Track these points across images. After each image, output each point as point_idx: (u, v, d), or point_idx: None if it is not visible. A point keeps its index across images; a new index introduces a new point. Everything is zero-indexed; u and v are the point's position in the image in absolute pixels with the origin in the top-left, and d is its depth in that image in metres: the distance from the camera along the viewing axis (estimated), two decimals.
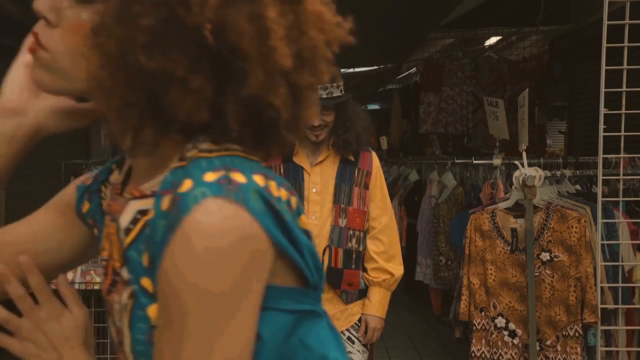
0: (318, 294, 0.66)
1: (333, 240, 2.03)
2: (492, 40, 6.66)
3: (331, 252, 2.02)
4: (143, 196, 0.64)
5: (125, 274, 0.65)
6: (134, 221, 0.64)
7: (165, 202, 0.57)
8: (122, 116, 0.59)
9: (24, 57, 0.73)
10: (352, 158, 2.09)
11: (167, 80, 0.56)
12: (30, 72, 0.69)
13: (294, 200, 0.63)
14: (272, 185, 0.59)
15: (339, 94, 2.02)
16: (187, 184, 0.56)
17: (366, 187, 2.08)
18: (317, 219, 2.04)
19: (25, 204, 5.17)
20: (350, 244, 2.04)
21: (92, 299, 3.46)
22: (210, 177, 0.56)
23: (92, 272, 3.31)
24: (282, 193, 0.61)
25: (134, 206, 0.65)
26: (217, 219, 0.54)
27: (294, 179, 2.05)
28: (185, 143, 0.62)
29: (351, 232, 2.04)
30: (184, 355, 0.55)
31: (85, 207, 0.79)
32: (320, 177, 2.07)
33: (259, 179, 0.58)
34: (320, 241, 2.01)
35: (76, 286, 3.27)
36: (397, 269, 2.12)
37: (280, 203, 0.59)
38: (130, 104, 0.58)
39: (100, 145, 5.98)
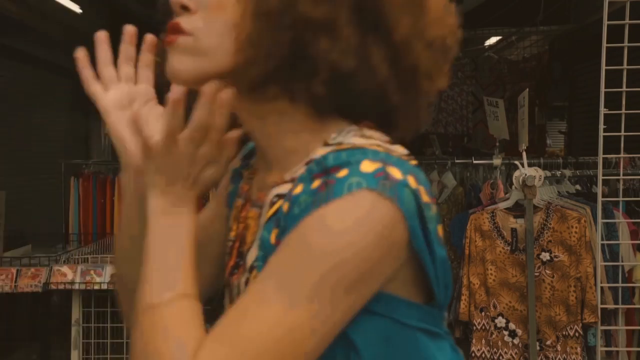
0: (442, 315, 0.66)
1: None
2: (492, 40, 6.66)
3: None
4: (283, 182, 0.66)
5: (250, 257, 0.67)
6: (271, 204, 0.66)
7: (316, 183, 0.59)
8: (274, 76, 0.61)
9: (114, 111, 0.70)
10: None
11: (322, 29, 0.59)
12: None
13: (434, 208, 0.62)
14: (422, 190, 0.60)
15: None
16: (343, 172, 0.57)
17: None
18: None
19: (25, 203, 5.12)
20: None
21: (92, 299, 3.46)
22: (367, 167, 0.57)
23: (92, 272, 3.31)
24: (428, 199, 0.60)
25: (274, 192, 0.66)
26: (365, 210, 0.55)
27: None
28: (323, 131, 0.65)
29: None
30: (274, 297, 0.56)
31: (229, 188, 0.81)
32: None
33: (411, 180, 0.58)
34: None
35: (76, 286, 3.26)
36: None
37: (427, 209, 0.59)
38: (281, 57, 0.60)
39: (101, 145, 5.98)
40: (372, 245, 0.55)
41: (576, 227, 2.52)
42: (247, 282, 0.66)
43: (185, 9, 0.65)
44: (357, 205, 0.55)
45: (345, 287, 0.56)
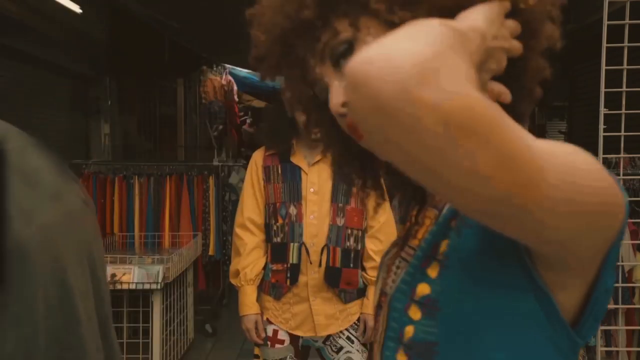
0: (579, 347, 0.63)
1: (331, 240, 2.00)
2: None
3: (329, 251, 2.00)
4: None
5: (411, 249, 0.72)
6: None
7: None
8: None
9: None
10: None
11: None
12: None
13: None
14: None
15: None
16: None
17: None
18: (316, 218, 2.02)
19: None
20: (348, 243, 2.02)
21: None
22: None
23: None
24: None
25: None
26: (608, 177, 0.55)
27: (292, 179, 2.04)
28: None
29: (349, 231, 2.02)
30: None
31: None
32: (318, 176, 2.04)
33: None
34: (319, 240, 2.01)
35: None
36: None
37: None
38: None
39: (100, 145, 5.98)
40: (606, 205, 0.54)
41: None
42: (423, 269, 0.67)
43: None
44: (600, 167, 0.55)
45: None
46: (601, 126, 2.41)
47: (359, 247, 2.06)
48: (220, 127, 6.55)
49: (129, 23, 5.55)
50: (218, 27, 4.40)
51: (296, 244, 2.01)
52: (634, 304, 2.68)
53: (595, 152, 2.53)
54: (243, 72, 6.82)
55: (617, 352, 2.64)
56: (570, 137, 6.30)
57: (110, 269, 3.30)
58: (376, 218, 2.09)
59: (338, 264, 2.01)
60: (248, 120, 11.35)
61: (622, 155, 2.53)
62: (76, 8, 4.85)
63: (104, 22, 5.83)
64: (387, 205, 2.11)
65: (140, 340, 3.48)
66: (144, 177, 4.58)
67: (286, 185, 2.05)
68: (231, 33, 4.47)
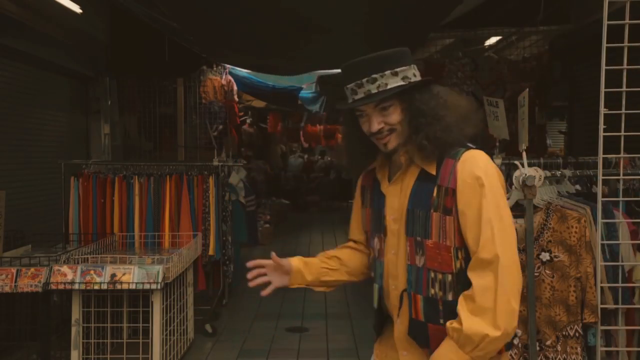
0: None
1: (411, 284, 1.52)
2: (492, 40, 6.66)
3: (411, 299, 1.52)
4: None
5: None
6: None
7: None
8: None
9: None
10: (432, 171, 1.51)
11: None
12: None
13: None
14: None
15: (397, 83, 1.50)
16: None
17: (446, 211, 1.46)
18: (395, 255, 1.57)
19: (25, 204, 5.11)
20: (432, 291, 1.49)
21: (92, 298, 3.46)
22: None
23: (92, 272, 3.31)
24: None
25: None
26: None
27: (377, 204, 1.65)
28: None
29: (432, 274, 1.48)
30: None
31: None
32: (398, 199, 1.57)
33: None
34: (399, 284, 1.56)
35: (76, 286, 3.27)
36: (477, 325, 1.37)
37: None
38: None
39: (100, 145, 5.97)
40: None
41: (576, 227, 2.52)
42: None
43: None
44: None
45: None
46: (601, 126, 2.41)
47: (450, 297, 1.47)
48: (220, 127, 6.55)
49: (129, 23, 5.55)
50: (218, 27, 4.39)
51: (376, 286, 1.64)
52: (634, 304, 2.68)
53: (595, 152, 2.53)
54: (243, 72, 6.81)
55: (617, 352, 2.63)
56: (570, 137, 6.29)
57: (110, 269, 3.30)
58: (477, 253, 1.42)
59: (421, 317, 1.51)
60: (248, 120, 11.32)
61: (622, 155, 2.53)
62: (76, 8, 4.85)
63: (104, 22, 5.83)
64: (497, 236, 1.41)
65: (140, 340, 3.48)
66: (144, 177, 4.58)
67: (373, 211, 1.66)
68: (231, 33, 4.46)
